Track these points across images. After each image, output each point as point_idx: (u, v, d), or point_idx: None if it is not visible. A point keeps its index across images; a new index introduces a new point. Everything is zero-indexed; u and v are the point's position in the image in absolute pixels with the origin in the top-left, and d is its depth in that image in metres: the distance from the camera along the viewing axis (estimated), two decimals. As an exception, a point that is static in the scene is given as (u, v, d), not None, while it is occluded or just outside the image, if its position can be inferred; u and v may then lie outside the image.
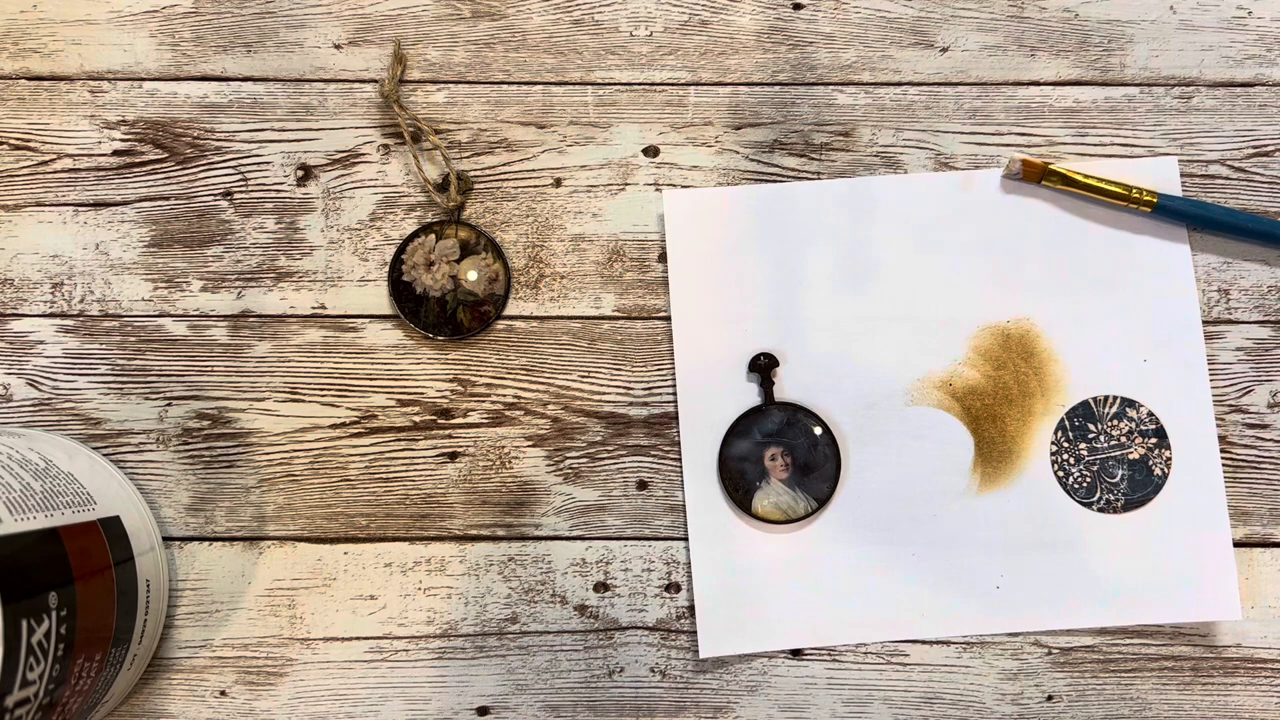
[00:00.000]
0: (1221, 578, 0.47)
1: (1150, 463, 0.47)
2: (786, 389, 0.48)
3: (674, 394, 0.48)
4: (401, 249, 0.48)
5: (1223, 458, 0.48)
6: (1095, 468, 0.47)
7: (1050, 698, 0.47)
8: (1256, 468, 0.48)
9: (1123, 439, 0.47)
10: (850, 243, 0.49)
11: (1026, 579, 0.47)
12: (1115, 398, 0.47)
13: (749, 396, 0.48)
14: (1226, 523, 0.47)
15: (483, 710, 0.47)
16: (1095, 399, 0.47)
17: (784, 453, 0.46)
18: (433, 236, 0.48)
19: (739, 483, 0.46)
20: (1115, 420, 0.47)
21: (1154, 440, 0.47)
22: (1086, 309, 0.48)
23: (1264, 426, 0.48)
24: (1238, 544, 0.48)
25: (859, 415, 0.48)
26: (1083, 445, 0.47)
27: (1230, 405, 0.48)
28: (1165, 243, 0.49)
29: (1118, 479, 0.47)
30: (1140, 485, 0.47)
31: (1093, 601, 0.47)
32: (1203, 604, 0.46)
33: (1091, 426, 0.48)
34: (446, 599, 0.47)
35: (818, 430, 0.47)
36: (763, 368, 0.47)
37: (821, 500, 0.46)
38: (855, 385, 0.48)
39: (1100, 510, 0.47)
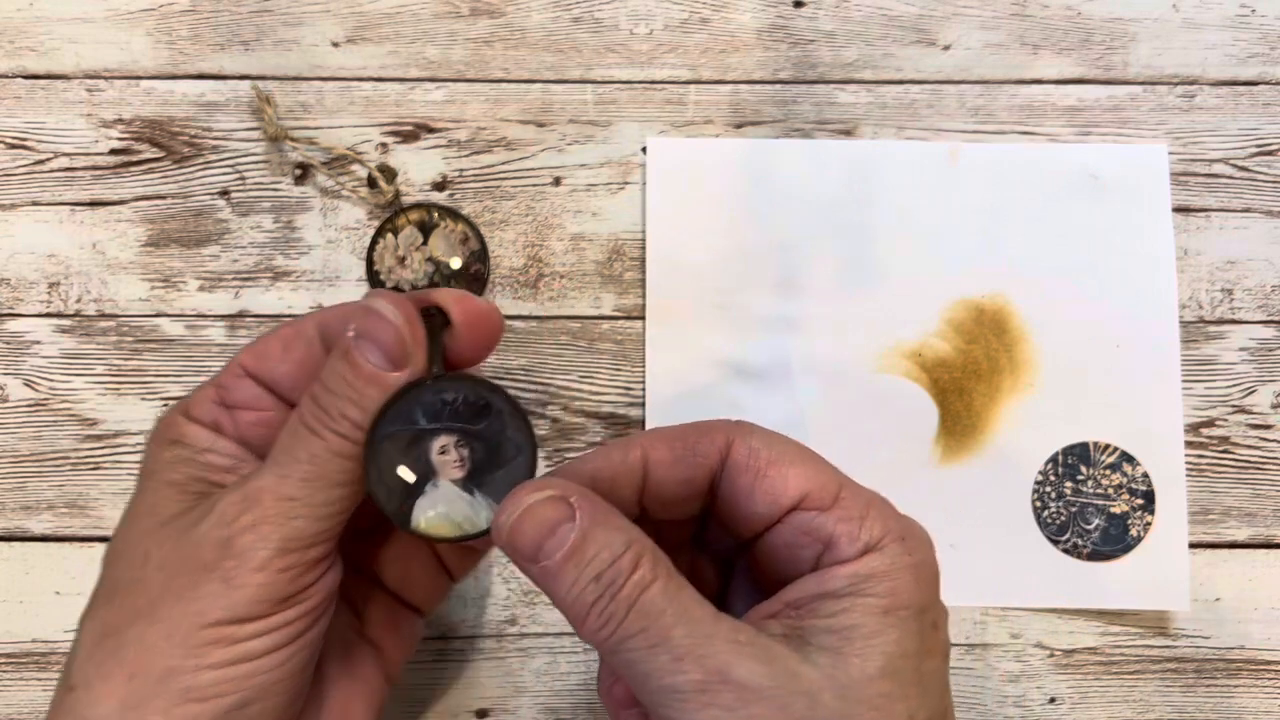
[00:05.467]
0: (1175, 573, 0.47)
1: (1129, 521, 0.47)
2: (745, 347, 0.48)
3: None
4: (370, 264, 0.48)
5: (1226, 459, 0.48)
6: (1074, 509, 0.47)
7: (1053, 700, 0.47)
8: (1259, 468, 0.48)
9: (1110, 490, 0.47)
10: (835, 203, 0.49)
11: (980, 554, 0.47)
12: (1116, 449, 0.47)
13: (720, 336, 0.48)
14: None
15: (482, 713, 0.47)
16: (1095, 444, 0.47)
17: (459, 443, 0.33)
18: (390, 235, 0.48)
19: (394, 487, 0.33)
20: (1109, 471, 0.47)
21: (1141, 501, 0.47)
22: (1062, 290, 0.48)
23: (1267, 427, 0.48)
24: (1241, 545, 0.48)
25: (826, 378, 0.48)
26: (1068, 484, 0.47)
27: (1234, 405, 0.48)
28: (1149, 231, 0.49)
29: (1092, 527, 0.47)
30: (1113, 540, 0.47)
31: (1045, 580, 0.47)
32: (1155, 594, 0.47)
33: (1084, 469, 0.47)
34: (445, 600, 0.47)
35: (505, 411, 0.33)
36: (435, 321, 0.33)
37: None
38: (825, 347, 0.48)
39: (1065, 551, 0.47)
